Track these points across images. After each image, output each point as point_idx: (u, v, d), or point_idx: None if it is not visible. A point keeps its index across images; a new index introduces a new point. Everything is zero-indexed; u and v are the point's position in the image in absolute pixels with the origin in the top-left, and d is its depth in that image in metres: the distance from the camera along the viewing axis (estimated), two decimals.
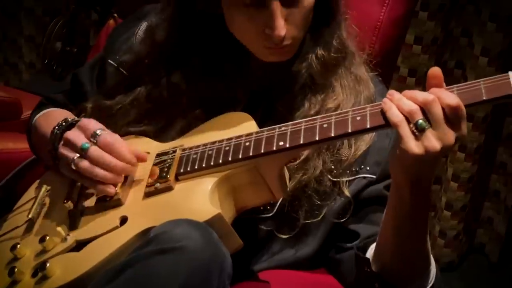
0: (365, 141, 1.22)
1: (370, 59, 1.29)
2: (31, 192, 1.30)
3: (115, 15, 1.92)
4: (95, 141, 1.13)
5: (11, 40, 3.18)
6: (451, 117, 0.95)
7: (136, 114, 1.27)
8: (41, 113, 1.40)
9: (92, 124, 1.16)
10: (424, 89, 2.50)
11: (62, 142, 1.17)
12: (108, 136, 1.15)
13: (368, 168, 1.22)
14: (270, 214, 1.22)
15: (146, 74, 1.28)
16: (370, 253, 1.16)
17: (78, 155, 1.13)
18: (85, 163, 1.12)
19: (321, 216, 1.21)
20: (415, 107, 0.96)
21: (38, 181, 1.33)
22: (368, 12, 1.47)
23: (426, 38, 2.26)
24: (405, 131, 0.95)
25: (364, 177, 1.22)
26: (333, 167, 1.21)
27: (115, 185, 1.13)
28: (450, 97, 0.95)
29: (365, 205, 1.22)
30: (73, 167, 1.13)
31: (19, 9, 3.10)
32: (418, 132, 0.94)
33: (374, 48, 1.42)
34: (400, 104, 0.97)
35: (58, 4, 3.05)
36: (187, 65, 1.26)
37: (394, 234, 1.07)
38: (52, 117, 1.34)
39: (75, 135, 1.15)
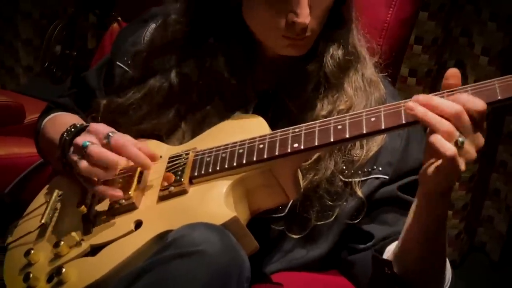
0: (377, 141, 1.21)
1: (380, 61, 1.30)
2: (41, 198, 1.29)
3: (119, 18, 1.91)
4: (107, 143, 1.12)
5: (7, 43, 3.16)
6: (477, 121, 0.95)
7: (148, 108, 1.26)
8: (48, 117, 1.39)
9: (102, 127, 1.15)
10: (425, 89, 2.47)
11: (72, 149, 1.16)
12: (120, 137, 1.13)
13: (380, 168, 1.22)
14: (282, 214, 1.22)
15: (157, 66, 1.28)
16: (387, 255, 1.16)
17: (80, 156, 1.12)
18: (83, 164, 1.10)
19: (333, 217, 1.21)
20: (452, 128, 0.93)
21: (47, 186, 1.32)
22: (375, 13, 1.47)
23: (427, 38, 2.26)
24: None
25: (377, 178, 1.22)
26: (344, 167, 1.21)
27: (127, 190, 1.13)
28: (477, 103, 0.94)
29: (378, 206, 1.22)
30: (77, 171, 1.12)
31: (15, 12, 3.08)
32: (459, 149, 0.93)
33: (381, 49, 1.42)
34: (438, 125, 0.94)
35: (55, 7, 3.03)
36: (199, 57, 1.25)
37: (420, 239, 1.06)
38: (60, 122, 1.33)
39: (84, 139, 1.14)
